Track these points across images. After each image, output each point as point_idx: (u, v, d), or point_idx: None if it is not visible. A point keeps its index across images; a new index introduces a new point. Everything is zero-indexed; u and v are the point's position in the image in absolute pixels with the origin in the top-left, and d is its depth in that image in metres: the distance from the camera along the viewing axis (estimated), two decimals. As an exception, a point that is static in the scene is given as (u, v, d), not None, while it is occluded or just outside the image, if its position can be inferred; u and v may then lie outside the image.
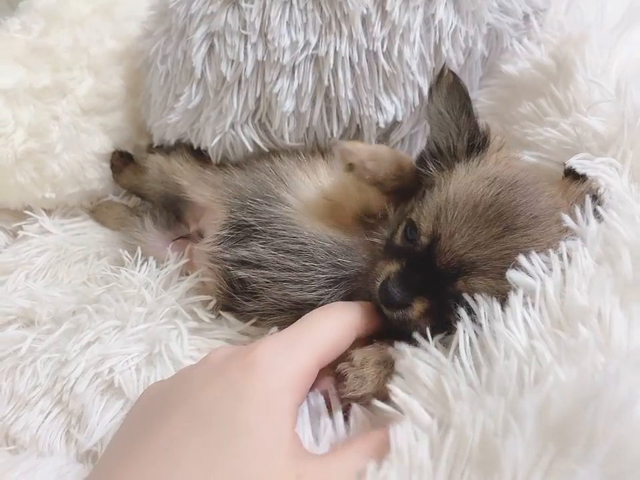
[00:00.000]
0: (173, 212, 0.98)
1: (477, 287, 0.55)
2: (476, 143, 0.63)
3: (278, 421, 0.47)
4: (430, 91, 0.65)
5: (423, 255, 0.59)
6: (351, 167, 0.64)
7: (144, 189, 1.04)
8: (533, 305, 0.51)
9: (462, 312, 0.53)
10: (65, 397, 0.71)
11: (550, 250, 0.54)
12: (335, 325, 0.57)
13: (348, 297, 0.67)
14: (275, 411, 0.47)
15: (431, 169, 0.65)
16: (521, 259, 0.53)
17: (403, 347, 0.54)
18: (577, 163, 0.65)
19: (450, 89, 0.63)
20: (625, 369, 0.40)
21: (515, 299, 0.53)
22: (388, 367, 0.58)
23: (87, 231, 1.07)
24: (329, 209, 0.71)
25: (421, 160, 0.68)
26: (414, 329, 0.58)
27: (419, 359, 0.52)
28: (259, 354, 0.50)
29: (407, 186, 0.67)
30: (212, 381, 0.50)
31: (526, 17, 0.87)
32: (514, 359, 0.47)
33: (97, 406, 0.70)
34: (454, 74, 0.63)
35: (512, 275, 0.53)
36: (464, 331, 0.52)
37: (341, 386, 0.57)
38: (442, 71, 0.64)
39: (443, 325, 0.60)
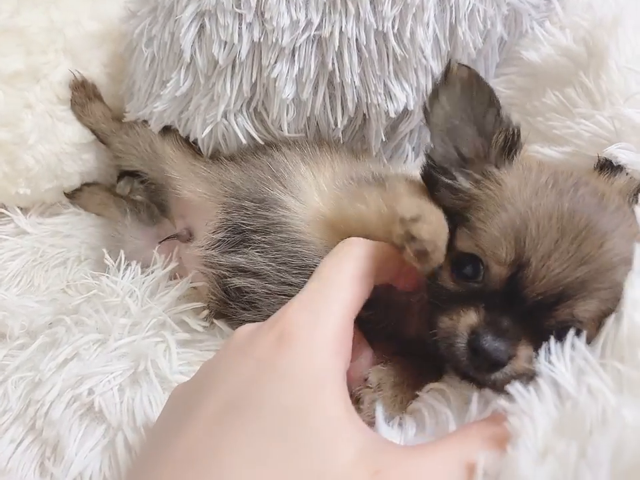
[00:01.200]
0: (154, 201, 0.92)
1: (586, 314, 0.47)
2: (513, 142, 0.54)
3: (331, 401, 0.41)
4: (435, 92, 0.54)
5: (504, 291, 0.48)
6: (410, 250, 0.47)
7: (117, 147, 0.95)
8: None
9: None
10: (39, 423, 0.64)
11: None
12: (356, 266, 0.49)
13: None
14: (325, 389, 0.41)
15: (459, 182, 0.55)
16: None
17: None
18: (621, 152, 0.58)
19: (466, 86, 0.53)
20: None
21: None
22: (404, 390, 0.53)
23: (68, 230, 1.00)
24: (333, 228, 0.63)
25: (430, 174, 0.57)
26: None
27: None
28: (288, 323, 0.44)
29: None
30: (241, 362, 0.44)
31: (548, -3, 0.80)
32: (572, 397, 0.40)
33: (75, 433, 0.63)
34: (468, 67, 0.54)
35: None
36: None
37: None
38: (448, 66, 0.54)
39: None
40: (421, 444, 0.45)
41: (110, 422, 0.63)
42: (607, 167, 0.58)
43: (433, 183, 0.57)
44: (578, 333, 0.45)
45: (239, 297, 0.68)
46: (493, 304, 0.49)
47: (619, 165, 0.57)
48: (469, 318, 0.49)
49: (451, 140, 0.56)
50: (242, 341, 0.46)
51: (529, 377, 0.45)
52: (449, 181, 0.55)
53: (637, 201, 0.51)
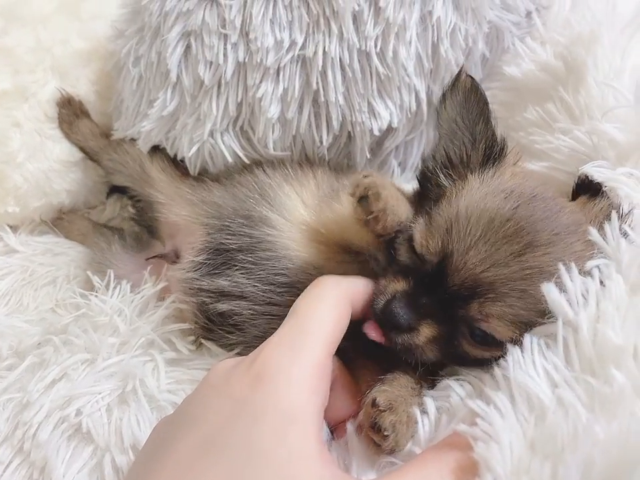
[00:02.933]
0: (143, 219, 0.92)
1: (492, 313, 0.50)
2: (493, 153, 0.58)
3: (299, 437, 0.42)
4: (443, 96, 0.60)
5: (432, 274, 0.53)
6: (363, 211, 0.55)
7: (106, 164, 0.95)
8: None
9: (495, 369, 0.47)
10: (27, 446, 0.64)
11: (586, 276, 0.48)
12: (330, 304, 0.51)
13: None
14: (294, 425, 0.42)
15: (441, 180, 0.60)
16: (563, 274, 0.47)
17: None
18: (596, 170, 0.59)
19: (467, 95, 0.58)
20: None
21: (528, 340, 0.47)
22: (410, 403, 0.52)
23: (58, 248, 0.99)
24: (315, 235, 0.65)
25: (425, 172, 0.62)
26: (418, 358, 0.53)
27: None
28: (263, 362, 0.45)
29: None
30: (217, 400, 0.45)
31: (528, 14, 0.83)
32: (544, 413, 0.41)
33: (63, 455, 0.62)
34: (472, 78, 0.58)
35: (551, 293, 0.46)
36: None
37: (374, 437, 0.50)
38: (458, 74, 0.59)
39: (452, 357, 0.55)
40: (381, 476, 0.46)
41: (98, 443, 0.63)
42: (587, 187, 0.59)
43: (425, 184, 0.62)
44: (485, 333, 0.50)
45: (222, 322, 0.67)
46: (422, 282, 0.53)
47: (598, 184, 0.58)
48: (398, 285, 0.54)
49: (448, 143, 0.60)
50: (219, 378, 0.47)
51: (427, 356, 0.52)
52: (434, 177, 0.60)
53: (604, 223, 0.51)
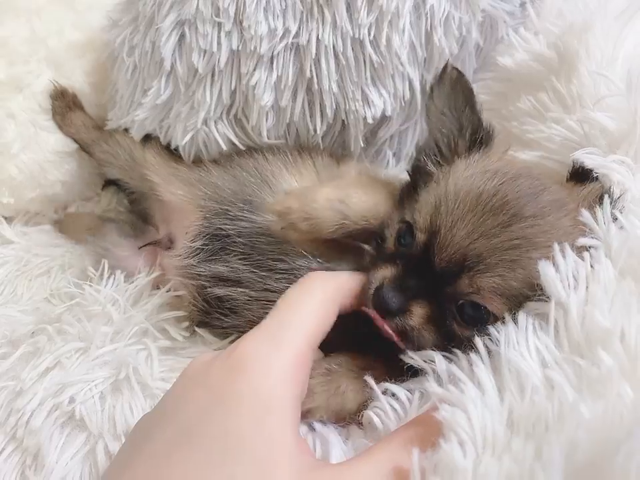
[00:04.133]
0: (137, 209, 0.92)
1: (483, 285, 0.50)
2: (478, 137, 0.59)
3: (276, 426, 0.42)
4: (431, 90, 0.61)
5: (420, 255, 0.54)
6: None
7: (99, 156, 0.95)
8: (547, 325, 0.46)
9: (478, 342, 0.47)
10: (20, 432, 0.64)
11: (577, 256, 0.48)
12: (316, 299, 0.51)
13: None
14: (271, 414, 0.42)
15: (429, 166, 0.61)
16: (556, 252, 0.47)
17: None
18: (587, 157, 0.59)
19: (453, 86, 0.59)
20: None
21: (524, 319, 0.47)
22: (338, 379, 0.54)
23: (52, 239, 1.00)
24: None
25: (416, 165, 0.64)
26: (417, 340, 0.53)
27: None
28: (242, 352, 0.45)
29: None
30: (195, 392, 0.45)
31: (522, 4, 0.82)
32: (532, 392, 0.41)
33: (56, 442, 0.62)
34: (458, 70, 0.60)
35: (546, 271, 0.46)
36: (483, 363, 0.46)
37: None
38: (445, 67, 0.61)
39: (449, 336, 0.54)
40: (352, 458, 0.46)
41: (91, 430, 0.63)
42: (580, 174, 0.59)
43: (415, 177, 0.63)
44: (479, 308, 0.50)
45: (219, 305, 0.68)
46: (411, 266, 0.54)
47: (591, 172, 0.58)
48: (387, 271, 0.55)
49: (436, 133, 0.61)
50: (197, 371, 0.47)
51: (425, 338, 0.53)
52: (423, 166, 0.61)
53: (595, 207, 0.52)
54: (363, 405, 0.54)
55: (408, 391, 0.53)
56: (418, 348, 0.53)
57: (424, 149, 0.63)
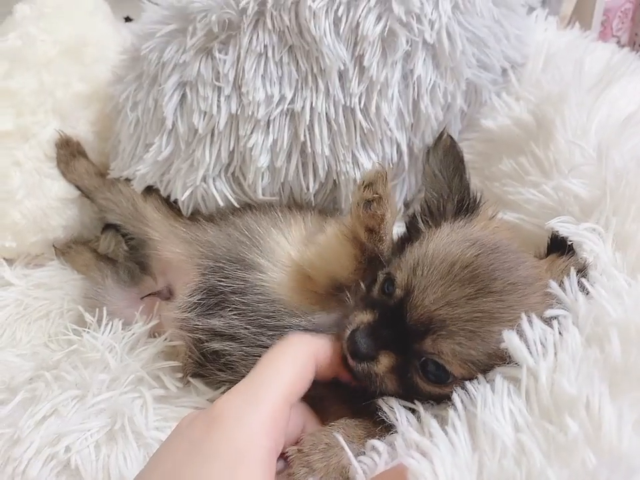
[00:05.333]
0: (135, 256, 0.93)
1: (443, 349, 0.53)
2: (465, 204, 0.63)
3: (247, 475, 0.44)
4: (427, 153, 0.66)
5: (395, 308, 0.57)
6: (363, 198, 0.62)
7: (100, 202, 0.97)
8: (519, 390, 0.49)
9: (455, 399, 0.50)
10: (16, 482, 0.65)
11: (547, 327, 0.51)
12: (293, 359, 0.54)
13: None
14: (244, 464, 0.44)
15: (420, 225, 0.65)
16: (524, 322, 0.50)
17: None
18: (561, 225, 0.63)
19: (446, 152, 0.64)
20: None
21: (500, 382, 0.50)
22: (339, 453, 0.53)
23: (52, 282, 1.00)
24: (303, 280, 0.68)
25: (413, 220, 0.68)
26: (379, 386, 0.57)
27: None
28: (221, 407, 0.48)
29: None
30: (178, 445, 0.47)
31: (504, 71, 0.87)
32: (504, 455, 0.44)
33: (51, 491, 0.64)
34: (451, 138, 0.64)
35: (511, 339, 0.50)
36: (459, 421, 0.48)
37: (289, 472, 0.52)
38: (441, 134, 0.65)
39: (410, 391, 0.57)
40: None
41: (85, 479, 0.64)
42: (559, 243, 0.62)
43: (411, 230, 0.67)
44: (440, 367, 0.54)
45: (215, 360, 0.69)
46: (386, 316, 0.58)
47: (572, 250, 0.61)
48: (365, 317, 0.59)
49: (430, 194, 0.65)
50: (184, 425, 0.49)
51: (386, 385, 0.56)
52: (415, 223, 0.66)
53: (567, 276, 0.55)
54: None
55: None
56: (380, 393, 0.57)
57: (420, 206, 0.67)
